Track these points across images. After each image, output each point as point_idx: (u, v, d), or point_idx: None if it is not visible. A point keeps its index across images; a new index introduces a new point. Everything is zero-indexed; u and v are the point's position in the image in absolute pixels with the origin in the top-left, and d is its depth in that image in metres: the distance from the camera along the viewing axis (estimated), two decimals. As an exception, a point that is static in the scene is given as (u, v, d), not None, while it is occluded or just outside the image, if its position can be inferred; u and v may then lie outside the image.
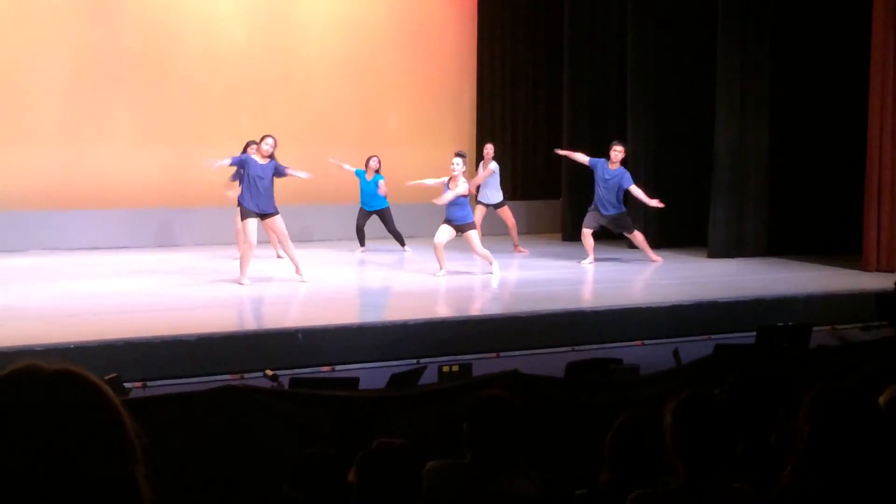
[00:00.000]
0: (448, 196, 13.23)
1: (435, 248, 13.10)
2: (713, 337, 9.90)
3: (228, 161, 12.51)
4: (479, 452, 4.12)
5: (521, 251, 15.65)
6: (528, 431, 4.24)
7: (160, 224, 16.19)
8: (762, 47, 14.84)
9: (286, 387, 7.41)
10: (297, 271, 12.41)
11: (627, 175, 14.32)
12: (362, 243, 15.55)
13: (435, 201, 13.49)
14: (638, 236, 14.49)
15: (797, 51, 15.04)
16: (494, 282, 12.92)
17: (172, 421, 6.27)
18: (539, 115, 19.31)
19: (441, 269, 13.02)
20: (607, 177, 14.29)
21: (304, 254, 14.45)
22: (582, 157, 14.69)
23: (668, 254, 15.31)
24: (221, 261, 14.27)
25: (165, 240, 15.98)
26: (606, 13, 17.29)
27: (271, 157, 12.24)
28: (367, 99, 18.09)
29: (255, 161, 12.21)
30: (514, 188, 18.93)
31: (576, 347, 9.79)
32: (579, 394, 7.30)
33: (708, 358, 7.96)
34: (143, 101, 16.57)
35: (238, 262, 12.53)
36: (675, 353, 8.69)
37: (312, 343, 9.28)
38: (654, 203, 14.25)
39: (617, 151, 14.30)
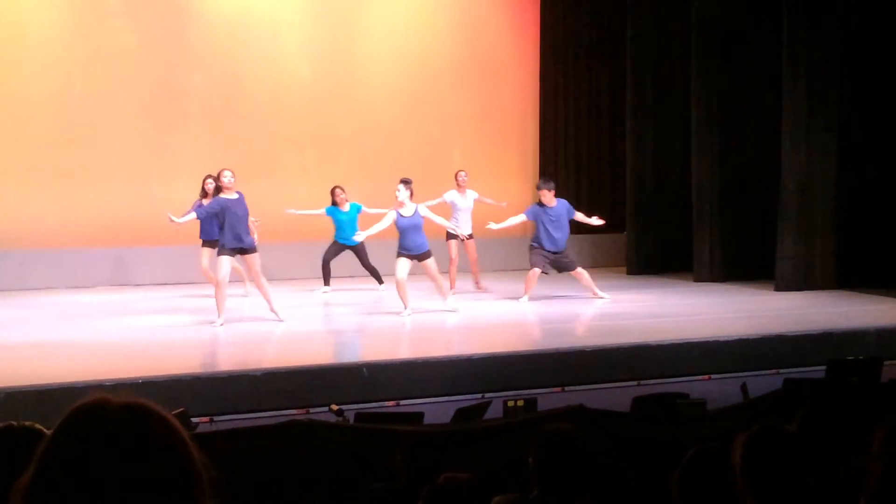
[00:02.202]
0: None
1: (398, 287, 12.47)
2: (782, 371, 9.76)
3: (194, 215, 12.23)
4: (545, 487, 4.09)
5: (482, 289, 14.90)
6: (595, 466, 4.20)
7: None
8: (828, 77, 14.69)
9: (351, 421, 7.42)
10: (272, 309, 12.06)
11: (568, 204, 13.99)
12: (327, 281, 14.90)
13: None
14: (584, 274, 13.95)
15: (864, 80, 14.86)
16: (451, 311, 12.62)
17: (239, 456, 6.29)
18: (603, 149, 19.27)
19: (406, 308, 12.48)
20: (553, 215, 13.75)
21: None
22: (517, 218, 13.96)
23: (735, 287, 15.16)
24: (285, 296, 14.37)
25: (234, 275, 16.10)
26: (670, 44, 17.25)
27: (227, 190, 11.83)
28: (430, 133, 18.18)
29: (228, 199, 11.74)
30: (578, 222, 18.85)
31: (641, 382, 9.71)
32: (646, 428, 7.22)
33: (777, 392, 7.85)
34: (211, 138, 16.80)
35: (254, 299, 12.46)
36: (743, 387, 8.59)
37: (377, 378, 9.30)
38: (596, 220, 14.05)
39: (543, 194, 13.79)
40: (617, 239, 18.37)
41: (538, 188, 13.99)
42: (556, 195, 13.97)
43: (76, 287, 15.22)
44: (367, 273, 15.02)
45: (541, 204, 13.86)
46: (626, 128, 17.69)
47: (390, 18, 18.08)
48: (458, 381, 9.45)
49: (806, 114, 14.71)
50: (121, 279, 15.77)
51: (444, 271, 14.72)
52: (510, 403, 8.10)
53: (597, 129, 19.32)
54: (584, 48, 19.13)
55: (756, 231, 15.68)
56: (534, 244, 13.88)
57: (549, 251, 13.79)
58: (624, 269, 17.61)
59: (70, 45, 16.20)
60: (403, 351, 10.78)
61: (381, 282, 15.01)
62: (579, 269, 13.93)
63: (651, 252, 17.30)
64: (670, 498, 4.06)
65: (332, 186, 14.96)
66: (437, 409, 8.22)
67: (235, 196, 11.79)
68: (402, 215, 12.48)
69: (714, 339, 10.82)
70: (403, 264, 12.45)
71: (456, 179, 15.04)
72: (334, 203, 14.89)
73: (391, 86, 18.00)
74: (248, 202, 12.60)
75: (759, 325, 11.62)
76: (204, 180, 13.76)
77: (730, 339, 10.83)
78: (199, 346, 11.00)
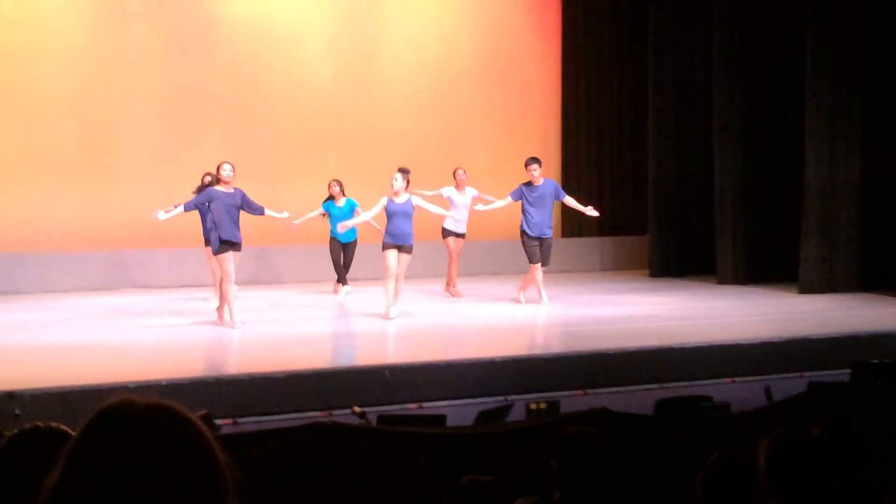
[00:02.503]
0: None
1: (389, 282, 12.30)
2: (806, 374, 9.72)
3: (182, 208, 11.84)
4: (568, 490, 4.08)
5: (452, 293, 14.59)
6: (618, 469, 4.19)
7: (249, 262, 16.35)
8: (852, 79, 14.62)
9: (374, 424, 7.43)
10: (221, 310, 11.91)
11: (557, 185, 13.75)
12: (344, 280, 14.80)
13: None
14: (541, 274, 13.59)
15: (888, 82, 14.78)
16: (387, 318, 12.24)
17: (262, 457, 6.31)
18: (625, 151, 19.24)
19: (394, 305, 12.30)
20: (536, 195, 13.42)
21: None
22: (504, 201, 13.76)
23: (758, 290, 15.10)
24: (309, 297, 14.42)
25: (254, 277, 16.14)
26: (692, 48, 17.20)
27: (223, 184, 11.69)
28: (452, 135, 18.18)
29: (222, 191, 11.64)
30: (601, 224, 18.86)
31: (664, 385, 9.68)
32: (669, 431, 7.20)
33: (801, 396, 7.82)
34: (232, 141, 16.83)
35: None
36: (767, 390, 8.56)
37: (399, 380, 9.30)
38: (591, 211, 13.78)
39: (533, 169, 13.43)
40: (639, 241, 18.34)
41: (526, 164, 13.61)
42: (582, 197, 13.88)
43: (99, 289, 15.28)
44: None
45: (527, 183, 13.58)
46: (648, 129, 17.65)
47: (411, 21, 18.09)
48: (480, 384, 9.44)
49: (829, 115, 14.65)
50: (144, 281, 15.82)
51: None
52: (533, 406, 8.09)
53: (619, 130, 19.29)
54: (606, 50, 19.10)
55: (779, 233, 15.62)
56: (522, 230, 13.55)
57: (534, 237, 13.43)
58: (646, 271, 17.57)
59: (91, 48, 16.27)
60: (425, 353, 10.77)
61: (344, 283, 14.82)
62: (544, 268, 13.57)
63: (674, 254, 17.26)
64: (694, 501, 4.04)
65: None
66: (460, 412, 8.22)
67: (231, 191, 11.67)
68: (392, 201, 12.49)
69: (738, 341, 10.79)
70: (392, 257, 12.34)
71: (454, 177, 14.90)
72: (330, 197, 14.74)
73: (412, 88, 18.01)
74: (270, 205, 12.61)
75: (783, 328, 11.58)
76: (203, 177, 13.67)
77: (753, 341, 10.79)
78: (222, 347, 11.04)
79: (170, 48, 16.67)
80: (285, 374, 9.11)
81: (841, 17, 14.54)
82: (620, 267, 18.49)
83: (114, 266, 15.84)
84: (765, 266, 15.76)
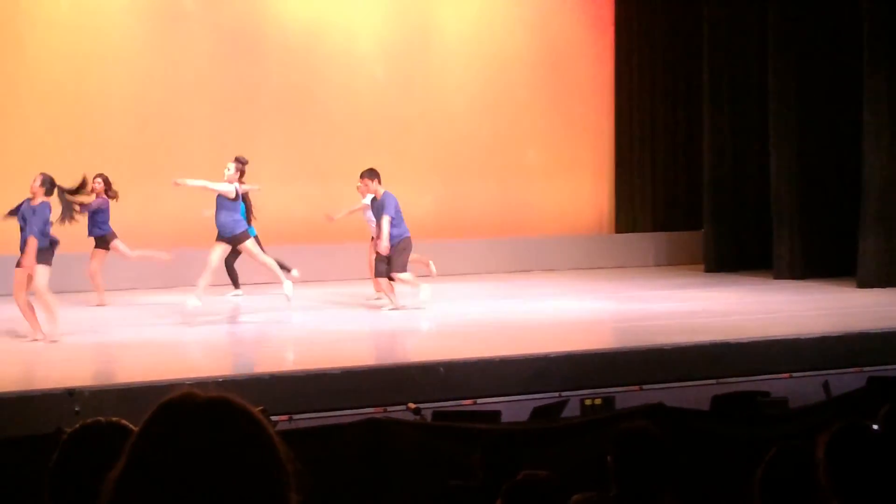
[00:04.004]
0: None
1: (209, 269, 11.98)
2: (865, 369, 9.61)
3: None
4: (625, 485, 4.07)
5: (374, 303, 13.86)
6: (675, 465, 4.18)
7: (305, 260, 16.41)
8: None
9: (429, 420, 7.45)
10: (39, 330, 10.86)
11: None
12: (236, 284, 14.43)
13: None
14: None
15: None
16: (287, 292, 11.97)
17: (317, 453, 6.35)
18: (678, 148, 19.08)
19: (194, 298, 11.72)
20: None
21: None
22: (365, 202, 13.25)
23: (816, 284, 14.94)
24: (360, 296, 14.44)
25: (309, 275, 16.19)
26: (747, 44, 17.03)
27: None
28: (505, 134, 18.14)
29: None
30: (654, 220, 18.75)
31: (721, 380, 9.61)
32: (726, 427, 7.17)
33: (861, 390, 7.74)
34: (286, 138, 16.93)
35: None
36: (826, 385, 8.48)
37: (454, 376, 9.30)
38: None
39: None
40: (694, 236, 18.21)
41: (374, 177, 13.14)
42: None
43: (158, 287, 15.42)
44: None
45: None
46: (703, 124, 17.52)
47: (464, 19, 18.08)
48: (535, 380, 9.43)
49: (888, 108, 14.47)
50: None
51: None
52: (588, 402, 8.09)
53: (673, 125, 19.14)
54: (659, 46, 18.96)
55: (837, 228, 15.44)
56: (405, 237, 12.97)
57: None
58: (701, 266, 17.43)
59: (146, 49, 16.41)
60: (480, 349, 10.77)
61: (288, 270, 14.02)
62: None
63: (729, 249, 17.11)
64: (752, 497, 4.02)
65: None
66: (514, 408, 8.22)
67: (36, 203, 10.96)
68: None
69: (795, 336, 10.67)
70: (217, 249, 12.12)
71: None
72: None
73: (465, 86, 18.00)
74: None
75: (842, 323, 11.45)
76: (93, 179, 13.35)
77: (811, 336, 10.67)
78: (277, 344, 11.10)
79: (224, 48, 16.79)
80: (340, 371, 9.15)
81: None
82: (675, 262, 18.36)
83: (171, 264, 15.94)
84: (822, 260, 15.57)
